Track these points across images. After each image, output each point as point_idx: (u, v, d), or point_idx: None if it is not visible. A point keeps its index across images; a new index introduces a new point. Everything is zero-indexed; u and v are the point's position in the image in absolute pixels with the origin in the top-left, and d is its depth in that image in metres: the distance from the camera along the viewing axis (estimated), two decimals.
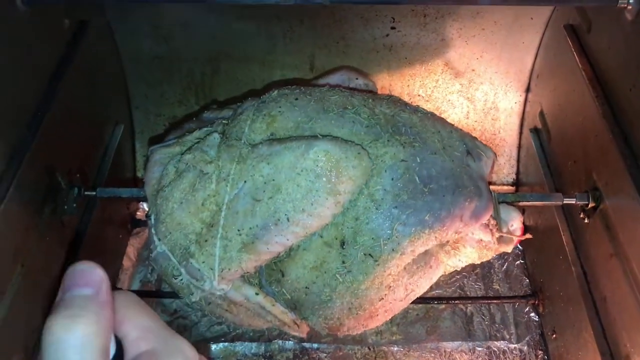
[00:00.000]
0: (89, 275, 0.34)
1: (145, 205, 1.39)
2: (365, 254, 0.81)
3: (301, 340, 1.17)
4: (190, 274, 0.84)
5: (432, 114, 0.96)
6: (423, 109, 0.97)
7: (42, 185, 0.90)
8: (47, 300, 0.90)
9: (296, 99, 0.90)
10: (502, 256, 1.33)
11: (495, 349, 1.20)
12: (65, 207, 0.95)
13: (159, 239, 0.86)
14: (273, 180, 0.80)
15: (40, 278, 0.89)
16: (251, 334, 1.20)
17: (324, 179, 0.79)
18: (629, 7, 0.86)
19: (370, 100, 0.93)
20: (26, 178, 0.83)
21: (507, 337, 1.21)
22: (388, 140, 0.85)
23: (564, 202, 0.99)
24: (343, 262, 0.82)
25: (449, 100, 1.36)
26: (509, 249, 0.99)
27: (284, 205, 0.79)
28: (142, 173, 1.36)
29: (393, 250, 0.81)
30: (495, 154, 0.97)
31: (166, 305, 1.24)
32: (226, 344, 1.19)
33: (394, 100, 0.96)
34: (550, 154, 1.20)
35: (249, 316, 0.91)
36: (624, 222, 0.87)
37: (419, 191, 0.82)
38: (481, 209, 0.87)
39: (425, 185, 0.82)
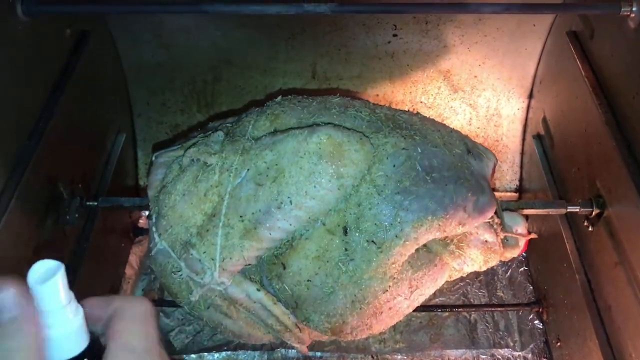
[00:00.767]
0: None
1: (147, 214, 1.39)
2: (368, 241, 0.81)
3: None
4: (190, 267, 0.83)
5: (432, 118, 0.98)
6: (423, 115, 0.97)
7: (44, 196, 0.90)
8: None
9: (299, 101, 0.93)
10: (505, 263, 1.32)
11: (500, 357, 1.19)
12: (68, 217, 0.95)
13: (159, 235, 0.86)
14: (276, 165, 0.81)
15: None
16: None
17: (327, 161, 0.80)
18: (632, 15, 0.86)
19: (370, 103, 0.96)
20: (28, 189, 0.83)
21: (511, 344, 1.21)
22: (389, 133, 0.86)
23: (568, 210, 0.98)
24: (345, 250, 0.81)
25: (451, 107, 1.35)
26: (514, 254, 0.98)
27: (287, 188, 0.80)
28: (144, 181, 1.36)
29: (396, 236, 0.80)
30: (496, 157, 0.96)
31: (168, 314, 1.24)
32: (229, 352, 1.19)
33: (393, 107, 0.98)
34: (553, 161, 1.19)
35: (249, 324, 0.89)
36: (628, 230, 0.86)
37: (421, 179, 0.82)
38: (484, 204, 0.87)
39: (428, 173, 0.83)
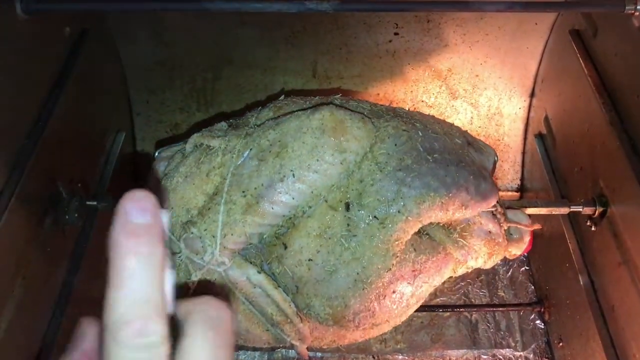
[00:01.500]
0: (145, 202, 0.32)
1: None
2: (370, 216, 0.81)
3: None
4: (190, 247, 0.83)
5: (432, 115, 0.99)
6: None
7: (43, 196, 0.89)
8: (49, 311, 0.89)
9: (300, 98, 0.95)
10: (506, 263, 1.32)
11: (501, 357, 1.19)
12: (67, 217, 0.94)
13: None
14: (279, 141, 0.83)
15: (41, 289, 0.88)
16: None
17: (330, 135, 0.82)
18: (636, 14, 0.85)
19: (370, 103, 0.97)
20: (27, 189, 0.82)
21: (513, 344, 1.20)
22: (390, 119, 0.88)
23: (571, 209, 0.98)
24: (348, 226, 0.81)
25: (453, 106, 1.35)
26: (519, 249, 0.97)
27: (290, 162, 0.81)
28: (143, 180, 1.35)
29: (399, 211, 0.80)
30: (496, 153, 0.96)
31: None
32: None
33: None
34: (556, 160, 1.19)
35: (248, 317, 0.87)
36: (631, 230, 0.86)
37: (423, 158, 0.84)
38: (487, 190, 0.87)
39: (429, 154, 0.84)
